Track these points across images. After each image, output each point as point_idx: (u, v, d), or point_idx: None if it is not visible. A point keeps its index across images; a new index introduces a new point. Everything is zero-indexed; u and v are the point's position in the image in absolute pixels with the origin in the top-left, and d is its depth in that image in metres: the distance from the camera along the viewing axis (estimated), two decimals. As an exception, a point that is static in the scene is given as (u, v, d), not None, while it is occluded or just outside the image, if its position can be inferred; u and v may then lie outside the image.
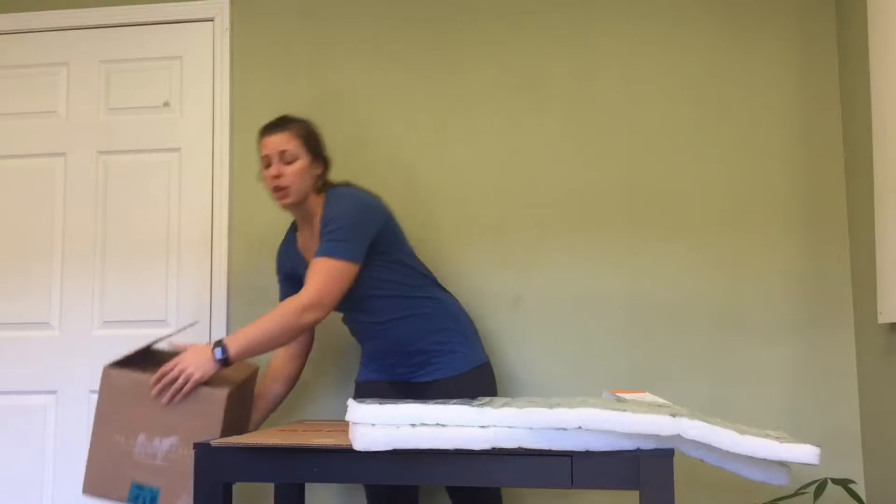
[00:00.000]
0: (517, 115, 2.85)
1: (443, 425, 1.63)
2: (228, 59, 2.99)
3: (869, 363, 2.53)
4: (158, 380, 2.12)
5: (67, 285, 2.98)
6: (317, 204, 2.40)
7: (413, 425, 1.63)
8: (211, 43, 3.01)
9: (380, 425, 1.62)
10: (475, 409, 1.64)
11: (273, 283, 2.65)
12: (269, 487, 2.78)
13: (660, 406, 1.73)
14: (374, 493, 2.48)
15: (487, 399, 1.94)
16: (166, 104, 3.02)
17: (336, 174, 2.86)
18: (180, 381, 2.10)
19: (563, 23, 2.86)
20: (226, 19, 3.00)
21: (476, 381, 2.40)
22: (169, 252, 2.95)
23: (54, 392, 2.95)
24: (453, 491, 2.50)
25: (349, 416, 1.65)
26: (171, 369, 2.12)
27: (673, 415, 1.57)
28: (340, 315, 2.53)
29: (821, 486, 2.23)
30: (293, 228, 2.54)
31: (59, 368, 2.95)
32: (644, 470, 1.60)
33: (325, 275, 2.21)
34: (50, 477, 2.92)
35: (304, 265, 2.45)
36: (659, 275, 2.73)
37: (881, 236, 2.32)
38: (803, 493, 2.31)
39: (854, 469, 2.60)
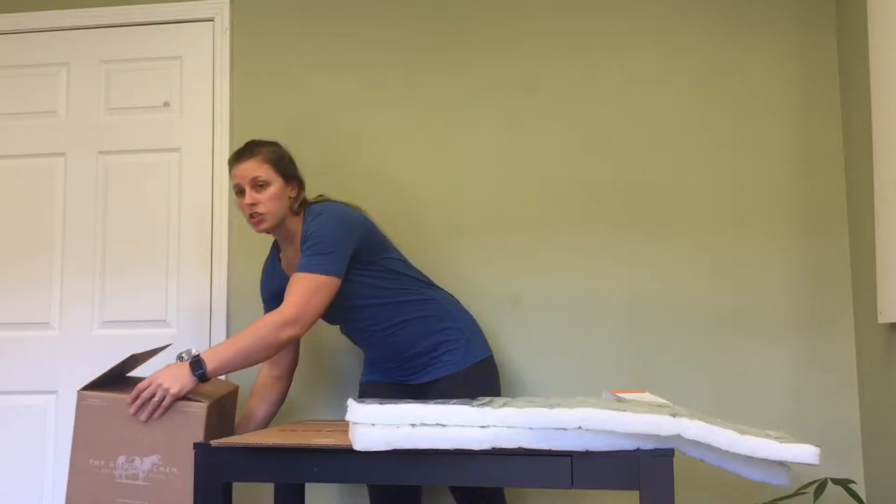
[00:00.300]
0: (517, 115, 2.85)
1: (443, 425, 1.63)
2: (228, 59, 2.99)
3: (869, 363, 2.53)
4: (135, 398, 2.06)
5: (67, 285, 2.98)
6: (296, 224, 2.38)
7: (413, 425, 1.63)
8: (211, 43, 3.01)
9: (380, 425, 1.62)
10: (475, 409, 1.64)
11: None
12: (269, 487, 2.78)
13: (660, 406, 1.73)
14: (377, 493, 2.47)
15: (487, 399, 1.93)
16: (166, 104, 3.02)
17: (335, 174, 2.87)
18: (158, 396, 2.05)
19: (563, 22, 2.86)
20: (226, 19, 3.00)
21: (477, 377, 2.39)
22: (169, 252, 2.95)
23: (54, 392, 2.95)
24: (457, 491, 2.50)
25: (349, 416, 1.65)
26: (148, 385, 2.07)
27: (673, 415, 1.57)
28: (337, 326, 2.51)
29: (821, 486, 2.22)
30: (276, 249, 2.52)
31: (59, 368, 2.95)
32: (644, 470, 1.60)
33: (305, 290, 2.18)
34: (50, 477, 2.92)
35: None
36: (659, 275, 2.73)
37: (881, 236, 2.32)
38: (803, 493, 2.31)
39: (854, 469, 2.60)
